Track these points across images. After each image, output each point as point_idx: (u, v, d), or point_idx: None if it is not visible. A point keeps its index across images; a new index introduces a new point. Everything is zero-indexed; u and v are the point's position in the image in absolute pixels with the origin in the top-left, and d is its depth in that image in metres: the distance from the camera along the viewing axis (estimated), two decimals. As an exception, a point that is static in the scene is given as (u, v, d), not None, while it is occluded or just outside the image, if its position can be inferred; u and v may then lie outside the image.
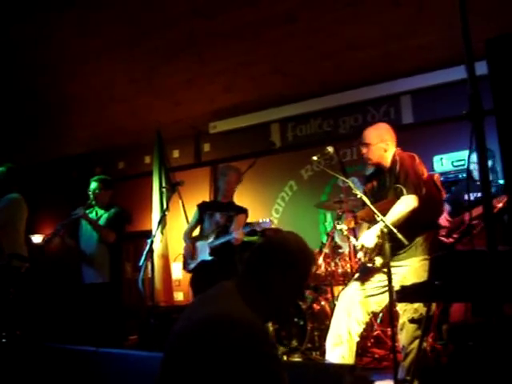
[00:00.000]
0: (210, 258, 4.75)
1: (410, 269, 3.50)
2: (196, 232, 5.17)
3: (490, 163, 4.75)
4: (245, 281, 1.91)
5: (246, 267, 1.94)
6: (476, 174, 4.80)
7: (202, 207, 5.15)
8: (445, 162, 5.46)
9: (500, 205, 4.23)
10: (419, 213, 3.48)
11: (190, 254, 4.93)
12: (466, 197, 4.87)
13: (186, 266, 5.02)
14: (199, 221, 5.10)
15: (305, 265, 1.94)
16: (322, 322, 4.84)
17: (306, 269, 1.96)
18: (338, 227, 3.71)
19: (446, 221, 4.89)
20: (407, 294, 2.82)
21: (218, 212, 4.96)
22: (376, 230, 3.50)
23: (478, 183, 4.74)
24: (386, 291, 3.59)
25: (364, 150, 3.77)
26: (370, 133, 3.81)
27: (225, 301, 1.80)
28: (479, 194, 4.70)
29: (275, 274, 1.87)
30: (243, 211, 4.96)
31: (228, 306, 1.77)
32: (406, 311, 3.45)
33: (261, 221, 4.55)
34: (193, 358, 1.66)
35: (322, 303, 5.09)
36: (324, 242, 5.54)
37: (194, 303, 2.05)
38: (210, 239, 4.82)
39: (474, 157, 4.96)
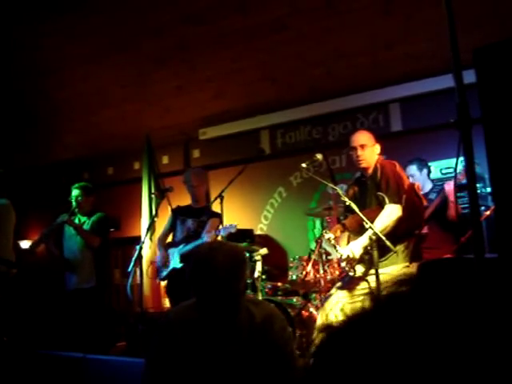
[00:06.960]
0: (180, 265, 4.65)
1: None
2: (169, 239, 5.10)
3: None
4: None
5: None
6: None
7: (176, 212, 5.05)
8: (433, 170, 5.49)
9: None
10: (400, 221, 3.49)
11: (163, 262, 4.84)
12: None
13: (158, 274, 4.95)
14: (172, 227, 5.02)
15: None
16: (311, 328, 4.84)
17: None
18: (326, 236, 3.64)
19: None
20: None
21: (191, 218, 4.87)
22: (363, 240, 3.48)
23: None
24: (367, 298, 3.61)
25: (359, 152, 3.67)
26: (363, 135, 3.77)
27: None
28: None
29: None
30: (216, 215, 4.78)
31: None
32: None
33: (227, 225, 4.48)
34: None
35: (311, 310, 5.09)
36: (313, 248, 5.54)
37: None
38: (181, 246, 4.74)
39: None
